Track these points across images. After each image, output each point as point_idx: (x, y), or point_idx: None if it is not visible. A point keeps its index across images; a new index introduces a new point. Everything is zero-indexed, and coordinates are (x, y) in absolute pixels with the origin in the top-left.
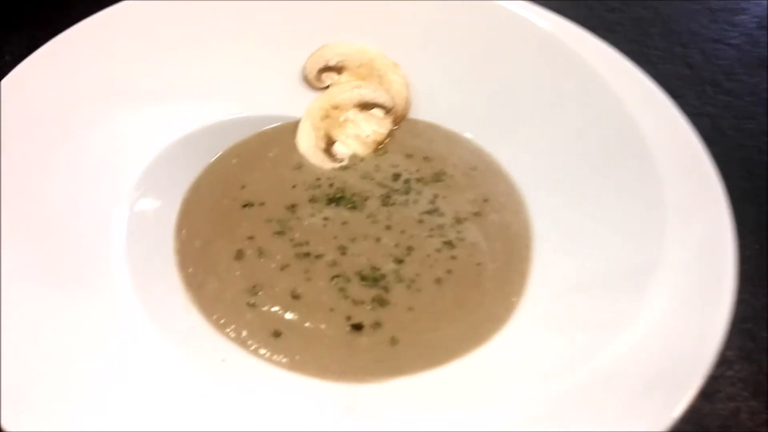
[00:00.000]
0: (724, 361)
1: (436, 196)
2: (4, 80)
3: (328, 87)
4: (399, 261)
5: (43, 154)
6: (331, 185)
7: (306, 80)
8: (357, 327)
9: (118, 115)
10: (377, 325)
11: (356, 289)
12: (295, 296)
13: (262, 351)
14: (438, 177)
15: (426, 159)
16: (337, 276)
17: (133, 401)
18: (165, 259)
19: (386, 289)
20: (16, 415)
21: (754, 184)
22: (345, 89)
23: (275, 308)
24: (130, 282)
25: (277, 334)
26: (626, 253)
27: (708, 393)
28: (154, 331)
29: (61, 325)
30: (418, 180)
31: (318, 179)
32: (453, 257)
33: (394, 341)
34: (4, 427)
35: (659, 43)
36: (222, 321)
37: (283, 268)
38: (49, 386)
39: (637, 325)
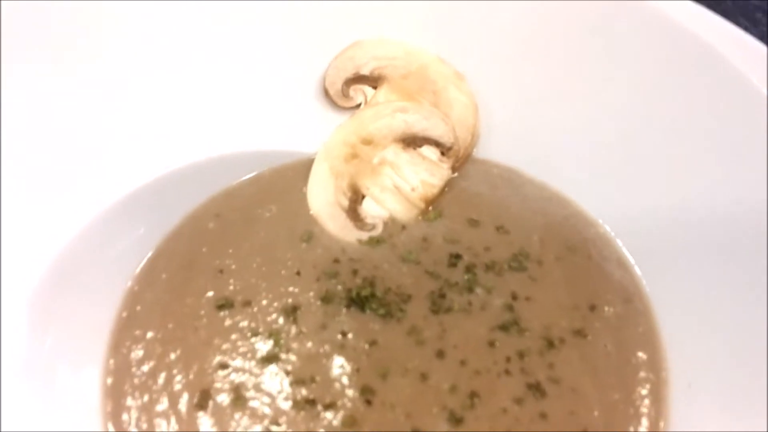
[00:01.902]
0: None
1: (515, 298)
2: None
3: (358, 107)
4: (457, 420)
5: None
6: (354, 273)
7: (327, 95)
8: None
9: (33, 158)
10: None
11: None
12: None
13: None
14: (519, 262)
15: (500, 230)
16: None
17: None
18: (83, 403)
19: None
20: None
21: None
22: (383, 113)
23: None
24: None
25: None
26: None
27: None
28: None
29: None
30: (489, 267)
31: (336, 261)
32: (543, 416)
33: None
34: None
35: None
36: None
37: (272, 426)
38: None
39: None
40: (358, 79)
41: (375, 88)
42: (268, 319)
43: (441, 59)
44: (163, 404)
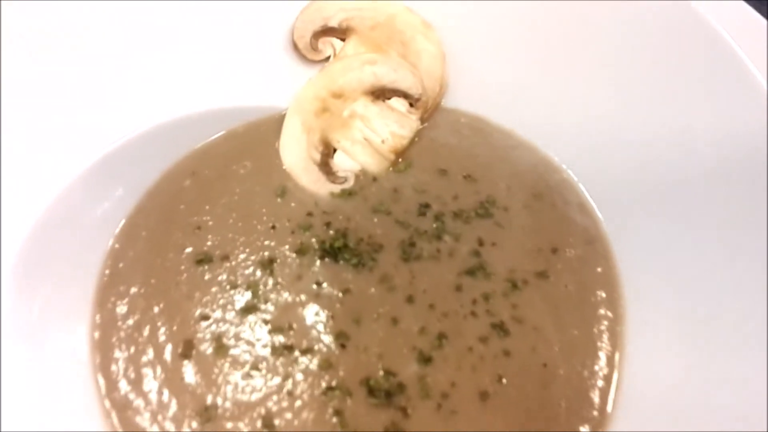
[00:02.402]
0: None
1: (481, 243)
2: None
3: (328, 60)
4: (426, 360)
5: None
6: (327, 225)
7: (295, 48)
8: None
9: (8, 125)
10: None
11: (361, 410)
12: (268, 425)
13: None
14: (485, 209)
15: (468, 178)
16: (331, 388)
17: None
18: (73, 357)
19: (405, 411)
20: None
21: None
22: (352, 66)
23: None
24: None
25: None
26: None
27: None
28: None
29: None
30: (456, 215)
31: (309, 214)
32: (506, 353)
33: None
34: None
35: None
36: None
37: (252, 371)
38: None
39: None
40: (327, 31)
41: (344, 40)
42: (246, 272)
43: (408, 9)
44: (149, 355)
